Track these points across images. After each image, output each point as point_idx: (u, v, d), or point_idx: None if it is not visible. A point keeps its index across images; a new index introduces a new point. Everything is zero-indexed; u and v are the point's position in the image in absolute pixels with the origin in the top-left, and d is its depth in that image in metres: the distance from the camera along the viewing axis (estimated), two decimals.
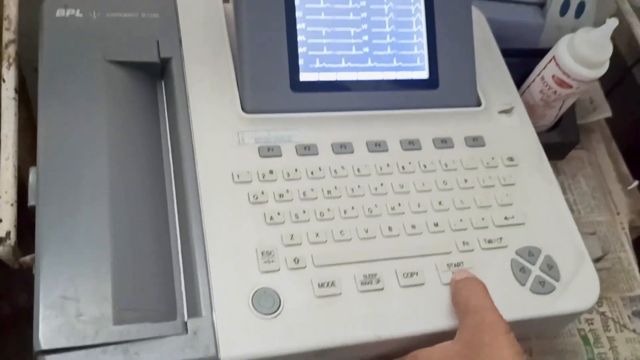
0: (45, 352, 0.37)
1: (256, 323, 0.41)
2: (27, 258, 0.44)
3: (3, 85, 0.48)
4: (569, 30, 0.69)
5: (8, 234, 0.43)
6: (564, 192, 0.66)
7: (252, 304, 0.42)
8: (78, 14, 0.50)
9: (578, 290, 0.48)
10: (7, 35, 0.51)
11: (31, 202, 0.42)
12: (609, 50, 0.55)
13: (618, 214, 0.66)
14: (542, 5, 0.70)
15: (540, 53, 0.60)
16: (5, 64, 0.49)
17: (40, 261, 0.40)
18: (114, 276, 0.40)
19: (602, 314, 0.58)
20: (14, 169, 0.45)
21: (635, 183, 0.69)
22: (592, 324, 0.58)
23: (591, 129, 0.72)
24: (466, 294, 0.43)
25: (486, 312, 0.42)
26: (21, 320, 1.11)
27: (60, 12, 0.50)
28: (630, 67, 0.88)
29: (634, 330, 0.58)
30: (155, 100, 0.50)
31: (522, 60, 0.63)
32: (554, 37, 0.62)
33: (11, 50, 0.50)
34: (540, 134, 0.57)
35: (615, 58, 0.90)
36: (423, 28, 0.54)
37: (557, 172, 0.67)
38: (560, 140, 0.64)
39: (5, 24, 0.51)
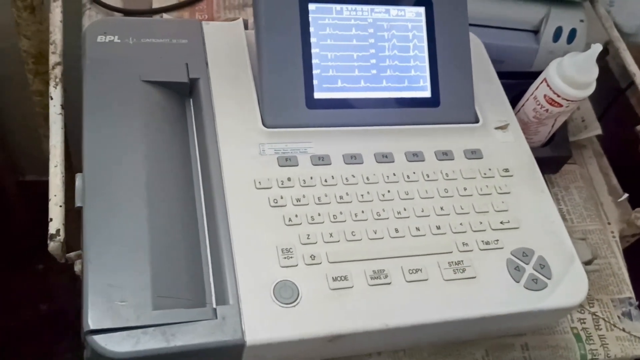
0: (93, 332, 0.42)
1: (277, 311, 0.46)
2: (72, 254, 0.49)
3: (51, 102, 0.54)
4: (561, 54, 0.73)
5: (58, 231, 0.48)
6: (558, 203, 0.71)
7: (274, 295, 0.47)
8: (116, 39, 0.56)
9: (568, 287, 0.53)
10: (54, 59, 0.57)
11: (78, 203, 0.48)
12: (594, 72, 0.60)
13: (609, 223, 0.71)
14: (536, 32, 0.76)
15: (533, 75, 0.65)
16: (52, 83, 0.55)
17: (88, 254, 0.45)
18: (152, 268, 0.45)
19: (594, 314, 0.63)
20: (61, 175, 0.50)
21: (625, 196, 0.73)
22: (584, 322, 0.62)
23: (583, 145, 0.77)
24: None
25: None
26: (40, 328, 1.16)
27: (100, 38, 0.56)
28: (624, 89, 0.94)
29: (623, 329, 0.62)
30: (184, 115, 0.56)
31: (517, 81, 0.68)
32: (547, 61, 0.67)
33: (57, 72, 0.56)
34: (534, 149, 0.63)
35: (610, 81, 0.96)
36: (425, 52, 0.60)
37: (550, 184, 0.72)
38: (553, 154, 0.69)
39: (51, 48, 0.57)
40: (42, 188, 1.24)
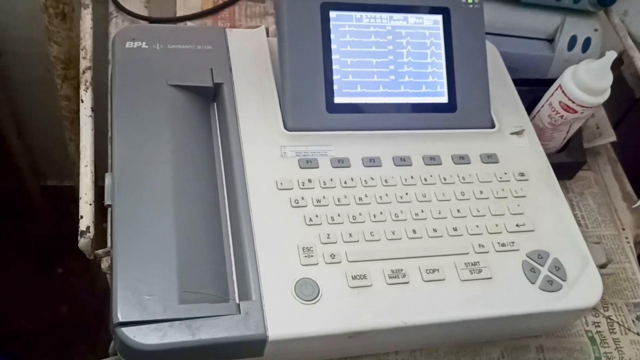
0: (122, 324, 0.44)
1: (298, 308, 0.48)
2: (100, 251, 0.51)
3: (82, 105, 0.56)
4: (576, 63, 0.75)
5: (88, 228, 0.50)
6: (572, 208, 0.72)
7: (295, 292, 0.48)
8: (144, 45, 0.58)
9: (583, 289, 0.54)
10: (84, 63, 0.59)
11: (107, 201, 0.50)
12: (609, 78, 0.61)
13: (623, 229, 0.72)
14: (551, 41, 0.77)
15: (548, 82, 0.67)
16: (83, 87, 0.57)
17: (117, 250, 0.47)
18: (179, 264, 0.47)
19: (608, 317, 0.64)
20: (91, 175, 0.52)
21: None
22: (598, 326, 0.63)
23: (598, 152, 0.78)
24: None
25: None
26: (60, 330, 1.18)
27: (129, 44, 0.58)
28: (638, 98, 0.95)
29: (637, 333, 0.63)
30: (209, 119, 0.58)
31: (532, 88, 0.70)
32: (562, 70, 0.68)
33: (87, 76, 0.58)
34: (549, 155, 0.64)
35: (624, 89, 0.97)
36: (442, 59, 0.61)
37: (565, 190, 0.73)
38: (568, 160, 0.70)
39: (82, 53, 0.60)
40: (63, 193, 1.26)
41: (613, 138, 0.77)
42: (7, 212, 1.22)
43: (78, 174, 0.71)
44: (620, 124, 0.95)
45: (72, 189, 1.15)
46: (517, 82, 0.68)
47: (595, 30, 0.77)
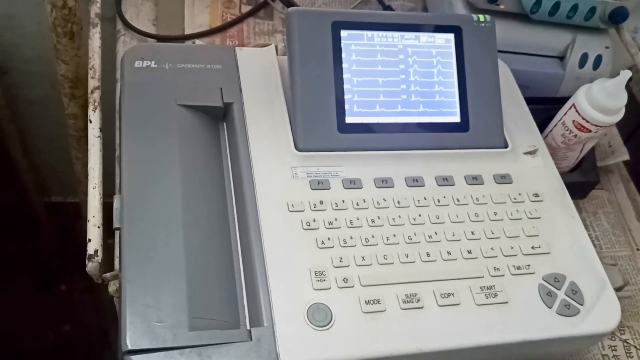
0: (131, 352, 0.43)
1: (311, 334, 0.46)
2: (108, 275, 0.50)
3: (90, 125, 0.55)
4: (587, 80, 0.74)
5: (96, 251, 0.49)
6: (586, 228, 0.70)
7: (307, 317, 0.47)
8: (153, 64, 0.58)
9: (601, 313, 0.52)
10: (93, 83, 0.58)
11: (116, 224, 0.49)
12: (623, 98, 0.61)
13: (638, 249, 0.71)
14: (562, 58, 0.76)
15: (560, 101, 0.66)
16: (91, 107, 0.57)
17: (126, 275, 0.46)
18: (188, 289, 0.46)
19: (625, 341, 0.62)
20: (99, 197, 0.51)
21: None
22: (615, 350, 0.61)
23: (610, 171, 0.77)
24: None
25: None
26: (64, 349, 1.17)
27: (138, 63, 0.57)
28: None
29: None
30: (218, 139, 0.57)
31: (544, 107, 0.69)
32: (573, 87, 0.67)
33: (96, 96, 0.58)
34: (562, 174, 0.63)
35: (634, 106, 0.96)
36: (454, 78, 0.60)
37: (578, 209, 0.72)
38: (581, 180, 0.69)
39: (90, 72, 0.59)
40: (68, 209, 1.25)
41: (626, 156, 0.76)
42: (11, 229, 1.21)
43: (84, 192, 0.70)
44: (630, 140, 0.94)
45: (76, 205, 1.14)
46: (529, 101, 0.67)
47: (607, 47, 0.76)
